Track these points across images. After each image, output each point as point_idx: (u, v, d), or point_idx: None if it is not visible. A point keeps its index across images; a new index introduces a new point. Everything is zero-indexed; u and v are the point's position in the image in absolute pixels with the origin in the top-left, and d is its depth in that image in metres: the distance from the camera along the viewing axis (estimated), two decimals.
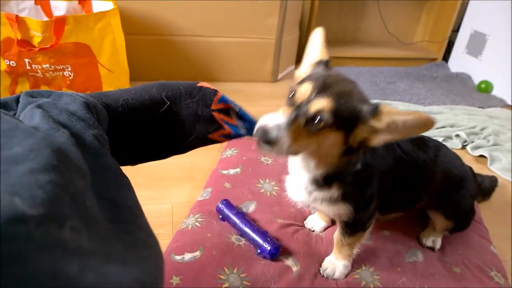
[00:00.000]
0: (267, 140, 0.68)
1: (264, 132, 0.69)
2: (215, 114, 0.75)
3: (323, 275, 1.01)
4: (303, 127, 0.71)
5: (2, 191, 0.32)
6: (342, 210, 0.89)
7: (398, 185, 0.98)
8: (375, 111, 0.71)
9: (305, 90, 0.72)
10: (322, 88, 0.71)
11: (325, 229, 1.16)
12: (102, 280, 0.35)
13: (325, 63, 0.81)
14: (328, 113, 0.69)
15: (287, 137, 0.69)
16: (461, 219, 1.14)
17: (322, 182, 0.85)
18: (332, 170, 0.82)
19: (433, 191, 1.05)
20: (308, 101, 0.71)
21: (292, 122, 0.70)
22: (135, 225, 0.50)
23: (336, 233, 1.00)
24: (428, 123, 0.69)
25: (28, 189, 0.33)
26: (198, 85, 0.75)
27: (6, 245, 0.29)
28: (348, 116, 0.71)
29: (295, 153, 0.77)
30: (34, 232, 0.31)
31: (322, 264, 1.03)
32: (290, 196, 0.98)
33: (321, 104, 0.69)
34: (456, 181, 1.08)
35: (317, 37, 0.85)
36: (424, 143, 1.03)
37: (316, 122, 0.70)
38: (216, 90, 0.76)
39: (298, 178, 0.90)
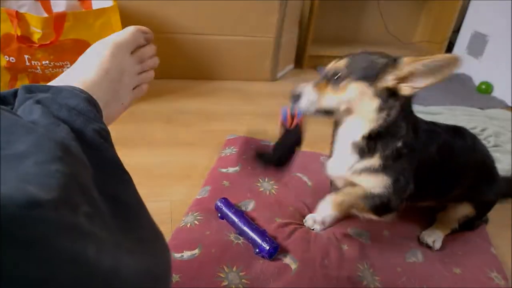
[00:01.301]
0: (294, 95, 0.89)
1: (293, 91, 0.90)
2: None
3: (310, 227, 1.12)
4: (327, 85, 0.88)
5: (13, 181, 0.31)
6: (382, 181, 0.92)
7: (434, 173, 1.00)
8: (395, 61, 0.84)
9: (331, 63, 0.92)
10: (342, 58, 0.89)
11: (325, 228, 1.16)
12: (119, 265, 0.35)
13: None
14: (343, 67, 0.86)
15: (312, 92, 0.88)
16: (479, 214, 1.15)
17: (366, 148, 0.90)
18: (375, 128, 0.87)
19: (467, 181, 1.06)
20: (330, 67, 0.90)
21: (317, 83, 0.90)
22: (137, 222, 0.49)
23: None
24: (452, 60, 0.78)
25: (39, 178, 0.33)
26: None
27: (25, 229, 0.28)
28: (363, 67, 0.85)
29: (326, 110, 0.89)
30: (51, 215, 0.31)
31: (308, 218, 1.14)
32: (330, 172, 1.03)
33: (338, 64, 0.88)
34: (490, 173, 1.11)
35: None
36: (462, 133, 1.06)
37: (336, 78, 0.86)
38: None
39: (341, 152, 0.96)
